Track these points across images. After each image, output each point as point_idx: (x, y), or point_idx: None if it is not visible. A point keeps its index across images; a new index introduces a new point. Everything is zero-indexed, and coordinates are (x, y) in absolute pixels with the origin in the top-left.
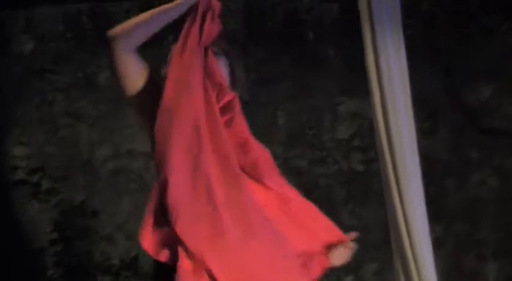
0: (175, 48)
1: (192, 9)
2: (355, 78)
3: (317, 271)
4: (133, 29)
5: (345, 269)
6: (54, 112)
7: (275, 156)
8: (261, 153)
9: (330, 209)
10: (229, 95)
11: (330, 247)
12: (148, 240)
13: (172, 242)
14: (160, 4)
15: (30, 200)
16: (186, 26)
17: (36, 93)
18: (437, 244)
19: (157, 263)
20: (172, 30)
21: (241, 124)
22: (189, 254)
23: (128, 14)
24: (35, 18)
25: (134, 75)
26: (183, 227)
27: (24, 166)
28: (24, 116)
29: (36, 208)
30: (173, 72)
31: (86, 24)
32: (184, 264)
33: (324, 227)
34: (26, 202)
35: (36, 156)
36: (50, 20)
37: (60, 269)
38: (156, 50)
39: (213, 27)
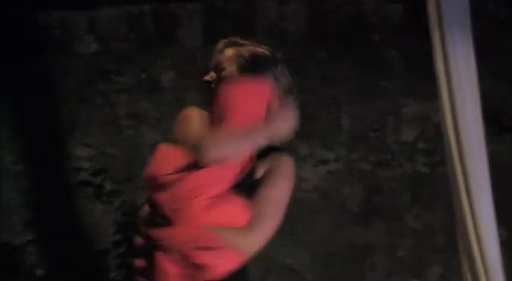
0: None
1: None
2: (419, 81)
3: None
4: (227, 156)
5: (410, 271)
6: (117, 113)
7: (338, 159)
8: None
9: (394, 213)
10: None
11: None
12: None
13: None
14: (222, 6)
15: (93, 202)
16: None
17: (100, 95)
18: (503, 248)
19: None
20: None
21: None
22: None
23: (191, 16)
24: (98, 20)
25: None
26: None
27: (87, 167)
28: (87, 118)
29: (99, 210)
30: None
31: (149, 25)
32: None
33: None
34: (89, 203)
35: (99, 157)
36: (114, 21)
37: (123, 270)
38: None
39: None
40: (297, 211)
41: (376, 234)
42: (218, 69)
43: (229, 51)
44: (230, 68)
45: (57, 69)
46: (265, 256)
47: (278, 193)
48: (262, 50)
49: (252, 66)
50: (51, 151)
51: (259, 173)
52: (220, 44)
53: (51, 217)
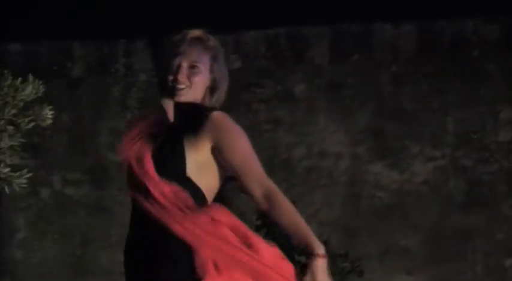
0: None
1: None
2: None
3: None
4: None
5: (506, 252)
6: (258, 119)
7: (444, 156)
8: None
9: (492, 202)
10: None
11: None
12: None
13: None
14: (345, 28)
15: (238, 193)
16: None
17: (243, 104)
18: None
19: None
20: None
21: None
22: None
23: (319, 37)
24: (241, 41)
25: None
26: None
27: None
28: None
29: (243, 200)
30: None
31: (284, 45)
32: None
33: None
34: (235, 195)
35: None
36: (254, 42)
37: None
38: None
39: None
40: (409, 200)
41: (477, 220)
42: (192, 67)
43: (202, 48)
44: (204, 65)
45: None
46: (383, 239)
47: (244, 147)
48: (216, 40)
49: (218, 61)
50: None
51: (205, 142)
52: (187, 35)
53: None
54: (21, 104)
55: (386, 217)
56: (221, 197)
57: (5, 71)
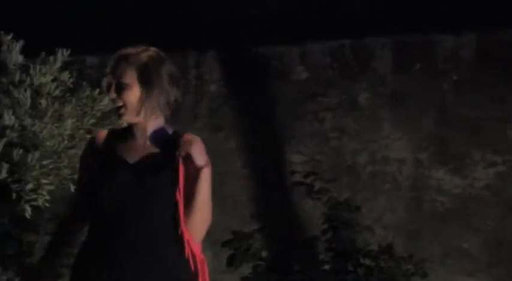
0: None
1: None
2: None
3: None
4: None
5: None
6: (324, 127)
7: (505, 162)
8: None
9: None
10: None
11: None
12: None
13: None
14: (407, 39)
15: (305, 198)
16: None
17: (310, 113)
18: None
19: None
20: None
21: None
22: None
23: (382, 47)
24: (307, 52)
25: None
26: None
27: (300, 170)
28: (300, 131)
29: (310, 204)
30: None
31: (348, 55)
32: None
33: None
34: (303, 200)
35: (310, 162)
36: (319, 53)
37: (330, 253)
38: None
39: None
40: (470, 205)
41: None
42: (120, 86)
43: (129, 67)
44: (133, 84)
45: (275, 93)
46: (445, 242)
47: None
48: (150, 52)
49: (151, 80)
50: (272, 158)
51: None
52: (115, 58)
53: (272, 210)
54: (99, 114)
55: (448, 220)
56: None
57: (84, 83)
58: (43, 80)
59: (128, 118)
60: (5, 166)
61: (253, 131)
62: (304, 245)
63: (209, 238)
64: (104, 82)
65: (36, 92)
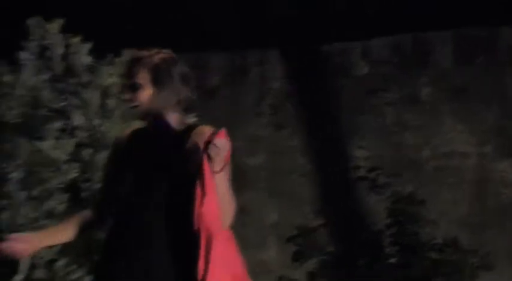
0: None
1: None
2: None
3: None
4: None
5: None
6: (386, 122)
7: None
8: None
9: None
10: None
11: None
12: None
13: None
14: (469, 33)
15: (369, 193)
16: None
17: (371, 108)
18: None
19: None
20: None
21: None
22: None
23: (444, 41)
24: (368, 48)
25: None
26: None
27: (364, 165)
28: (363, 126)
29: (373, 199)
30: None
31: (409, 50)
32: None
33: None
34: (366, 194)
35: (373, 157)
36: (380, 48)
37: (395, 247)
38: None
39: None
40: None
41: None
42: (133, 86)
43: (142, 69)
44: (145, 84)
45: (337, 88)
46: (510, 234)
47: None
48: (162, 55)
49: (162, 79)
50: (335, 153)
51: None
52: (130, 61)
53: (337, 205)
54: None
55: None
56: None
57: None
58: (110, 80)
59: (140, 116)
60: (76, 165)
61: (316, 127)
62: (369, 240)
63: (274, 234)
64: (120, 84)
65: (104, 93)
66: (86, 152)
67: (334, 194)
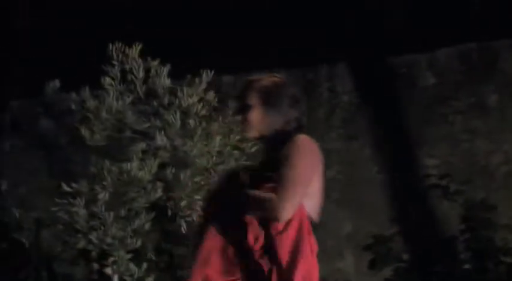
0: None
1: None
2: None
3: None
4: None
5: None
6: (455, 130)
7: None
8: None
9: None
10: None
11: None
12: None
13: None
14: None
15: (441, 200)
16: None
17: (440, 116)
18: None
19: None
20: None
21: None
22: None
23: (510, 49)
24: (434, 58)
25: None
26: None
27: (435, 173)
28: (432, 135)
29: (446, 206)
30: None
31: (475, 59)
32: None
33: None
34: (439, 202)
35: (443, 165)
36: (447, 58)
37: (469, 252)
38: None
39: None
40: None
41: None
42: (244, 107)
43: (251, 91)
44: (255, 105)
45: (406, 99)
46: None
47: (295, 171)
48: (273, 78)
49: (270, 100)
50: (406, 162)
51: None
52: (242, 85)
53: (410, 213)
54: None
55: None
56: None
57: (229, 101)
58: (190, 101)
59: (254, 135)
60: (160, 185)
61: (386, 137)
62: (443, 246)
63: (350, 243)
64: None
65: (185, 113)
66: (169, 171)
67: (407, 202)
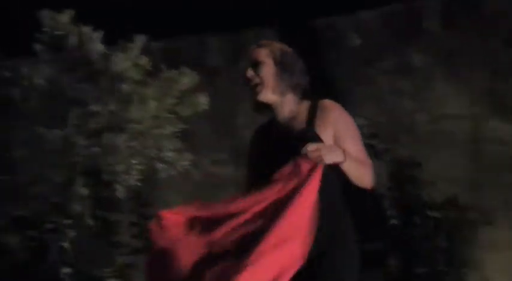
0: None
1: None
2: None
3: None
4: None
5: None
6: (381, 90)
7: None
8: None
9: None
10: None
11: None
12: None
13: None
14: None
15: (371, 158)
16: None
17: (367, 77)
18: None
19: None
20: None
21: None
22: None
23: (433, 8)
24: (360, 20)
25: None
26: None
27: (363, 133)
28: (359, 95)
29: (375, 164)
30: None
31: (400, 20)
32: None
33: None
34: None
35: (371, 125)
36: (372, 19)
37: (395, 209)
38: None
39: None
40: None
41: None
42: (257, 64)
43: (264, 49)
44: (268, 61)
45: (333, 61)
46: (508, 188)
47: (353, 129)
48: (282, 44)
49: (283, 59)
50: None
51: (320, 128)
52: (252, 47)
53: None
54: (178, 93)
55: (509, 169)
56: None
57: (163, 65)
58: (124, 66)
59: (264, 96)
60: (96, 150)
61: (314, 99)
62: (371, 203)
63: None
64: (243, 72)
65: (119, 78)
66: (106, 137)
67: None
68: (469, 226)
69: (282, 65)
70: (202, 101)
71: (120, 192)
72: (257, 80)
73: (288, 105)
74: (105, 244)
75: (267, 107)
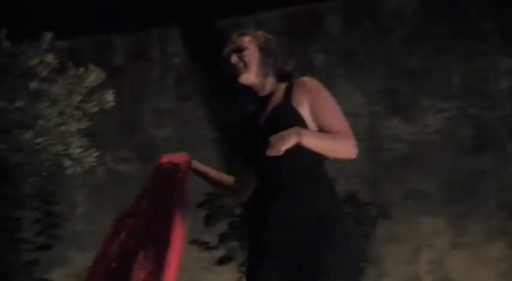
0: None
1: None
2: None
3: None
4: None
5: None
6: None
7: (453, 107)
8: None
9: (498, 145)
10: None
11: None
12: None
13: None
14: None
15: None
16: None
17: None
18: None
19: None
20: None
21: None
22: None
23: (333, 10)
24: (261, 20)
25: None
26: None
27: None
28: None
29: None
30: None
31: (301, 21)
32: None
33: None
34: None
35: None
36: (274, 20)
37: None
38: None
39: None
40: (424, 149)
41: (486, 162)
42: (240, 50)
43: (247, 36)
44: (251, 47)
45: None
46: (404, 185)
47: (329, 101)
48: (269, 34)
49: (266, 45)
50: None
51: (296, 102)
52: (236, 34)
53: None
54: (85, 91)
55: (405, 166)
56: None
57: (69, 63)
58: (30, 63)
59: (247, 77)
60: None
61: (219, 98)
62: None
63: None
64: (225, 56)
65: (26, 75)
66: (16, 133)
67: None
68: (368, 221)
69: (265, 51)
70: (109, 98)
71: (26, 189)
72: (241, 65)
73: (269, 85)
74: (9, 240)
75: (248, 89)
